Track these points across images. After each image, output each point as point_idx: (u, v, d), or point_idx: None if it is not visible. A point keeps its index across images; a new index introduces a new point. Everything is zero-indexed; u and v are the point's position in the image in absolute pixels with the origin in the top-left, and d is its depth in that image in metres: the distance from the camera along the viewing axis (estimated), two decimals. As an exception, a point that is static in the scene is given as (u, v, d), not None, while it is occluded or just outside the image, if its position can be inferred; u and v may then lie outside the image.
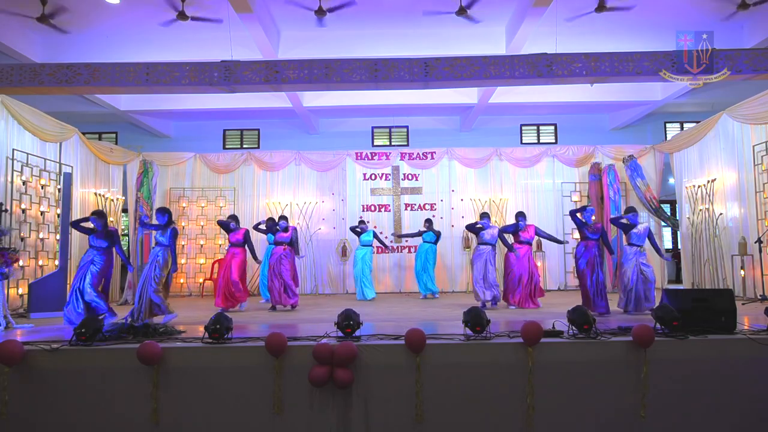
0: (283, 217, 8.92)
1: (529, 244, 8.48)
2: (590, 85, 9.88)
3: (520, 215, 8.54)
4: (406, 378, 4.29)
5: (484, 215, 8.86)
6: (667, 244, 14.30)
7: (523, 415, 4.27)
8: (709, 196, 9.98)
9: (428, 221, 10.53)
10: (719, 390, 4.37)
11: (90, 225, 6.94)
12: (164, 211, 7.02)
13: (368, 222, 11.43)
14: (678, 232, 12.08)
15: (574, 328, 4.58)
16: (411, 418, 4.26)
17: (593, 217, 7.93)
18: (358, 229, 10.36)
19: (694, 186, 10.52)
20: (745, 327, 4.89)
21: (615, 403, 4.34)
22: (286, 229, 8.66)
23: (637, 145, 12.09)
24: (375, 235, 10.50)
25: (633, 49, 6.89)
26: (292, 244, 8.68)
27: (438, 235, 10.40)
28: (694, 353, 4.42)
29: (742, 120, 8.95)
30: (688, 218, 10.79)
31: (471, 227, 8.94)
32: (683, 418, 4.34)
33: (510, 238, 8.41)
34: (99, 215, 6.96)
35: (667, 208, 13.17)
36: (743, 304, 7.73)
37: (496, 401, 4.32)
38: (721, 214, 9.66)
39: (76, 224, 7.10)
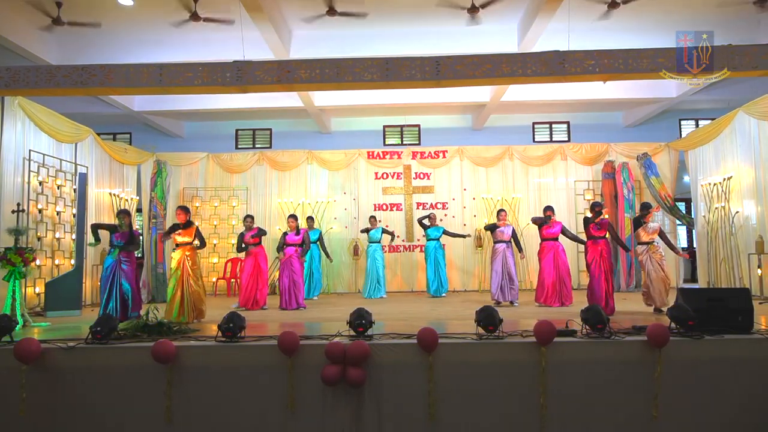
0: (294, 216, 8.95)
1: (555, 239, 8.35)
2: (603, 83, 9.80)
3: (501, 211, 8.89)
4: (418, 377, 4.29)
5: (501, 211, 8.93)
6: (683, 242, 14.14)
7: (536, 414, 4.25)
8: (725, 194, 9.85)
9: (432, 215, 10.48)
10: (735, 391, 4.32)
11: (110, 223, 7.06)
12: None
13: (380, 221, 11.46)
14: (693, 231, 11.93)
15: (587, 327, 4.55)
16: (423, 417, 4.26)
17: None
18: (369, 226, 10.52)
19: (709, 184, 10.38)
20: (762, 327, 4.82)
21: (629, 403, 4.30)
22: (297, 232, 8.72)
23: (651, 143, 11.95)
24: (383, 231, 10.64)
25: (647, 45, 6.81)
26: (303, 245, 8.74)
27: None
28: (710, 353, 4.37)
29: (759, 117, 8.81)
30: (704, 216, 10.65)
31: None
32: (697, 418, 4.30)
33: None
34: (126, 213, 7.11)
35: (682, 206, 13.03)
36: (760, 303, 7.62)
37: (508, 400, 4.30)
38: (737, 212, 9.53)
39: (97, 227, 7.21)
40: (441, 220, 11.72)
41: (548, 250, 8.24)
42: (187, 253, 7.02)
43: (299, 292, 8.51)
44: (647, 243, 7.19)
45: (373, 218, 10.75)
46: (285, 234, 8.77)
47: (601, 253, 7.19)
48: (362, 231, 10.74)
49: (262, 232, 8.67)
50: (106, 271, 6.81)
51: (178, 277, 6.90)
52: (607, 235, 7.34)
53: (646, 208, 7.34)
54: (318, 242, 10.39)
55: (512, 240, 8.71)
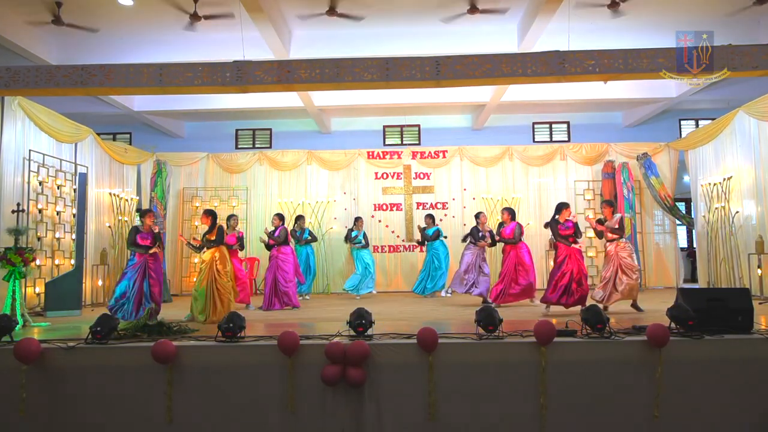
0: (278, 215, 8.93)
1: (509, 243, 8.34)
2: (604, 83, 9.79)
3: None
4: (418, 377, 4.29)
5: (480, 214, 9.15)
6: (682, 242, 14.14)
7: (536, 414, 4.25)
8: (725, 193, 9.85)
9: (429, 216, 10.51)
10: (735, 390, 4.32)
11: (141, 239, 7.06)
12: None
13: (380, 221, 11.48)
14: (693, 231, 11.93)
15: (587, 327, 4.55)
16: (424, 417, 4.26)
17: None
18: (353, 234, 10.52)
19: (709, 184, 10.38)
20: (762, 327, 4.82)
21: (629, 403, 4.30)
22: (272, 233, 8.74)
23: (651, 143, 11.96)
24: (364, 235, 10.60)
25: (647, 45, 6.80)
26: (281, 243, 8.72)
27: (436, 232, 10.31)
28: (710, 353, 4.37)
29: (759, 117, 8.81)
30: (704, 216, 10.65)
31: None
32: (698, 418, 4.30)
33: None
34: (146, 214, 7.22)
35: (682, 206, 13.03)
36: (760, 303, 7.62)
37: (508, 401, 4.31)
38: (737, 212, 9.52)
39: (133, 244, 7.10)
40: (441, 220, 11.73)
41: (507, 251, 8.33)
42: (217, 254, 7.09)
43: (289, 292, 8.41)
44: (613, 240, 7.29)
45: (359, 219, 10.76)
46: (273, 231, 8.81)
47: (573, 253, 7.19)
48: (346, 239, 10.70)
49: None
50: (130, 269, 6.87)
51: (204, 276, 6.95)
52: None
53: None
54: (308, 240, 10.24)
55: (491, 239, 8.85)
